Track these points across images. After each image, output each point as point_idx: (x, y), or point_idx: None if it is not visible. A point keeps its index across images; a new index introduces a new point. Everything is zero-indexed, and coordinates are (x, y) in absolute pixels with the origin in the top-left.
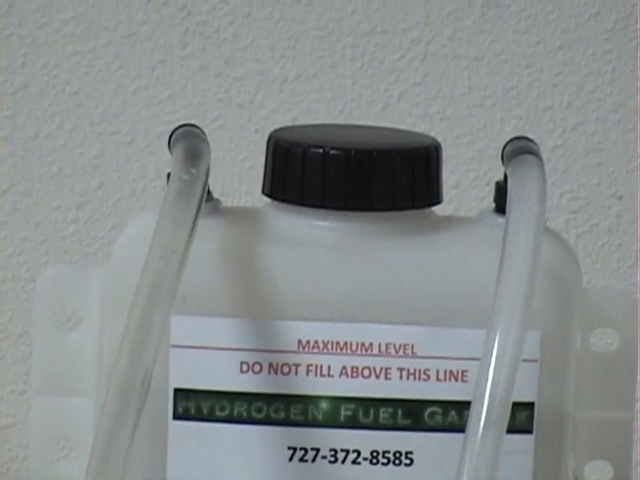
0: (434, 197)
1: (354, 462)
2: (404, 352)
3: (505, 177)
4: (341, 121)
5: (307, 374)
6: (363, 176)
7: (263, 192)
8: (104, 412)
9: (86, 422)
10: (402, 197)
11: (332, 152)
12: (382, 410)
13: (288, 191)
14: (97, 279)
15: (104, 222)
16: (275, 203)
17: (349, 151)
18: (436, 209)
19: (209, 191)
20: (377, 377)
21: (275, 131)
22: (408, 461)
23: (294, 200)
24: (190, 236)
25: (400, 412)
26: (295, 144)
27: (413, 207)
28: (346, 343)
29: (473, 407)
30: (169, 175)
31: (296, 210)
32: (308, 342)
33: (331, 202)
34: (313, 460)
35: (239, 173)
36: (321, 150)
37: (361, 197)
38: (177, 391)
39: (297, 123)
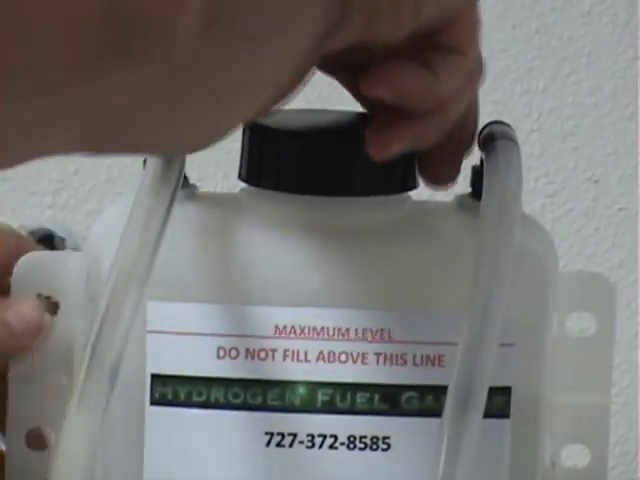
0: (410, 182)
1: (331, 447)
2: (381, 337)
3: (481, 161)
4: (318, 106)
5: (284, 359)
6: (339, 161)
7: (239, 177)
8: (74, 398)
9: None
10: (378, 182)
11: (307, 137)
12: (359, 395)
13: (263, 176)
14: (75, 264)
15: (81, 207)
16: (251, 189)
17: (324, 136)
18: (412, 193)
19: (185, 177)
20: (354, 362)
21: None
22: (385, 446)
23: (270, 185)
24: (163, 223)
25: (377, 397)
26: (270, 129)
27: (390, 192)
28: (323, 328)
29: (450, 392)
30: (145, 161)
31: (272, 196)
32: (285, 327)
33: (306, 188)
34: (290, 445)
35: (215, 158)
36: (296, 135)
37: (337, 182)
38: (154, 377)
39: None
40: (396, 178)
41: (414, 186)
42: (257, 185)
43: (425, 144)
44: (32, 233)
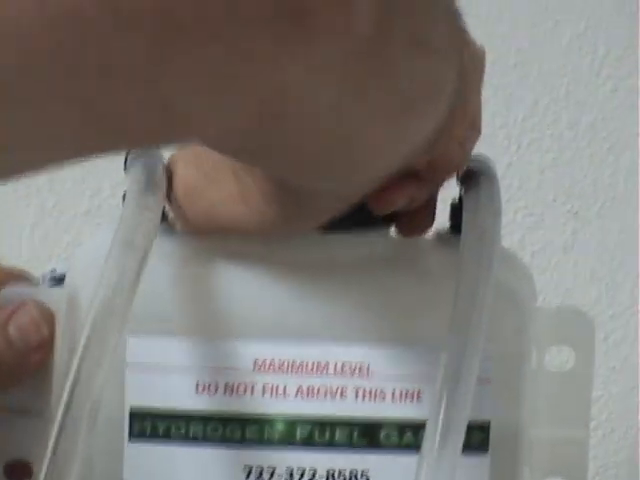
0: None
1: None
2: (359, 372)
3: (460, 197)
4: None
5: (263, 394)
6: None
7: None
8: (53, 436)
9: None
10: (360, 216)
11: None
12: (338, 429)
13: None
14: (55, 298)
15: (60, 239)
16: None
17: None
18: (392, 230)
19: (164, 211)
20: (333, 397)
21: None
22: None
23: None
24: (143, 259)
25: (356, 432)
26: None
27: (371, 227)
28: (302, 363)
29: (428, 427)
30: (124, 195)
31: None
32: (264, 362)
33: None
34: (270, 479)
35: None
36: None
37: None
38: (133, 412)
39: None
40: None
41: (393, 221)
42: None
43: (423, 198)
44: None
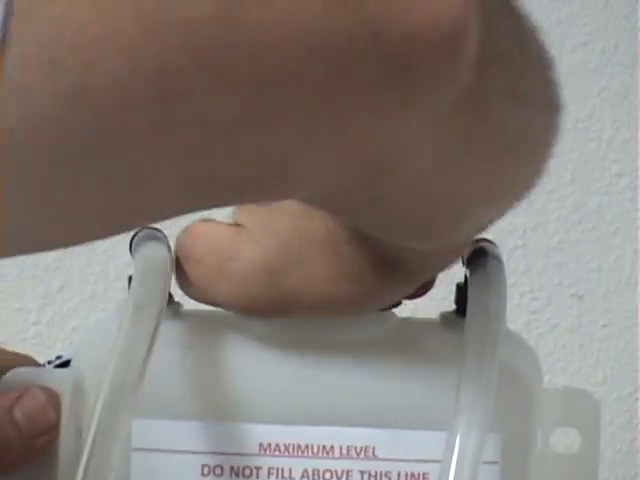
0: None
1: None
2: (365, 455)
3: (465, 279)
4: None
5: (269, 477)
6: None
7: None
8: None
9: None
10: None
11: None
12: None
13: None
14: (59, 380)
15: (66, 324)
16: None
17: None
18: (397, 311)
19: (170, 294)
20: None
21: None
22: None
23: None
24: (150, 346)
25: None
26: None
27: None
28: (307, 446)
29: None
30: (130, 278)
31: None
32: (269, 445)
33: None
34: None
35: None
36: None
37: None
38: None
39: None
40: None
41: (399, 303)
42: None
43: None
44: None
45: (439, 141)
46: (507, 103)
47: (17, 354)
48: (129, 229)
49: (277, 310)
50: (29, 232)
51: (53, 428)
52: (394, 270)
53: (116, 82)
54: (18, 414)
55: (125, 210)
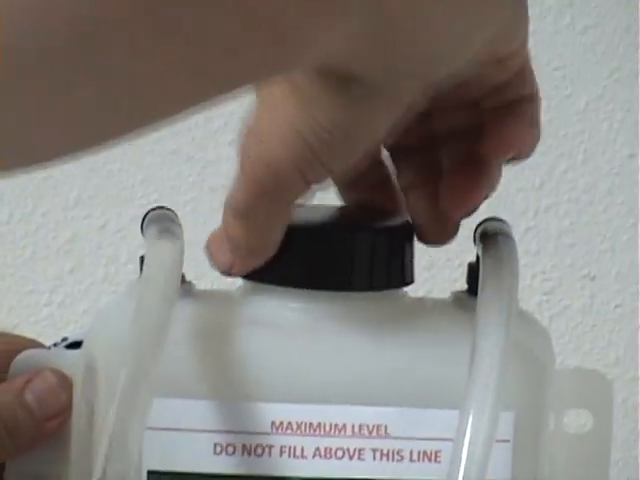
0: (409, 276)
1: None
2: (377, 433)
3: (477, 258)
4: (316, 201)
5: (281, 455)
6: (339, 256)
7: None
8: None
9: None
10: (378, 277)
11: (308, 232)
12: None
13: (263, 271)
14: (71, 362)
15: (77, 306)
16: (249, 284)
17: (325, 230)
18: (410, 290)
19: (182, 274)
20: (351, 458)
21: None
22: None
23: (269, 280)
24: (166, 321)
25: None
26: None
27: (389, 287)
28: (319, 424)
29: None
30: (142, 258)
31: (270, 291)
32: (281, 423)
33: (306, 282)
34: None
35: None
36: (297, 230)
37: (337, 277)
38: (151, 474)
39: None
40: (396, 273)
41: (411, 281)
42: (257, 280)
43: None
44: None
45: None
46: None
47: (25, 338)
48: (129, 131)
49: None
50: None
51: (64, 411)
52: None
53: None
54: (29, 397)
55: (122, 109)
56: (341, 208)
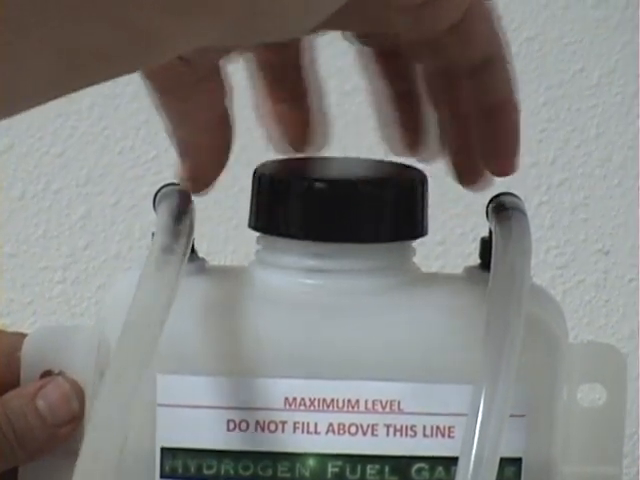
0: (418, 229)
1: None
2: (390, 409)
3: (490, 233)
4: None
5: (294, 431)
6: (346, 207)
7: (249, 226)
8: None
9: None
10: (386, 228)
11: (316, 184)
12: (369, 467)
13: (272, 223)
14: (84, 339)
15: (91, 282)
16: (262, 251)
17: (332, 183)
18: (423, 266)
19: (194, 250)
20: (364, 434)
21: (260, 166)
22: None
23: (278, 231)
24: (171, 296)
25: (387, 468)
26: (278, 178)
27: (397, 239)
28: (332, 400)
29: (460, 463)
30: (154, 234)
31: (283, 265)
32: (295, 399)
33: (315, 232)
34: None
35: (225, 233)
36: (304, 183)
37: (344, 227)
38: (164, 450)
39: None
40: (405, 225)
41: (422, 233)
42: (266, 231)
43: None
44: None
45: None
46: None
47: (22, 334)
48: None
49: None
50: None
51: (76, 418)
52: None
53: None
54: (41, 403)
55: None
56: (352, 160)
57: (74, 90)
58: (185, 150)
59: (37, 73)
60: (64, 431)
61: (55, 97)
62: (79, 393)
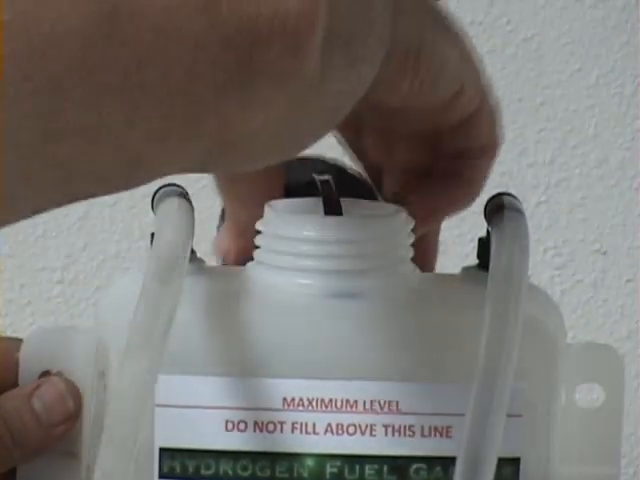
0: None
1: None
2: (389, 409)
3: (488, 233)
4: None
5: (292, 432)
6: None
7: None
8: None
9: None
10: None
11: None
12: (368, 467)
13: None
14: (83, 340)
15: (89, 283)
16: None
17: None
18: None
19: (193, 251)
20: (362, 434)
21: None
22: None
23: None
24: (175, 298)
25: (386, 468)
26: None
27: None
28: (331, 400)
29: (459, 463)
30: (153, 235)
31: (281, 267)
32: (293, 400)
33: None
34: None
35: None
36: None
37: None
38: (162, 450)
39: None
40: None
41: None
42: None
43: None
44: None
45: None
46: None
47: (18, 339)
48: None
49: None
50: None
51: (72, 417)
52: None
53: None
54: (37, 403)
55: None
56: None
57: (59, 206)
58: (244, 230)
59: (40, 187)
60: (59, 430)
61: (45, 211)
62: (75, 393)
